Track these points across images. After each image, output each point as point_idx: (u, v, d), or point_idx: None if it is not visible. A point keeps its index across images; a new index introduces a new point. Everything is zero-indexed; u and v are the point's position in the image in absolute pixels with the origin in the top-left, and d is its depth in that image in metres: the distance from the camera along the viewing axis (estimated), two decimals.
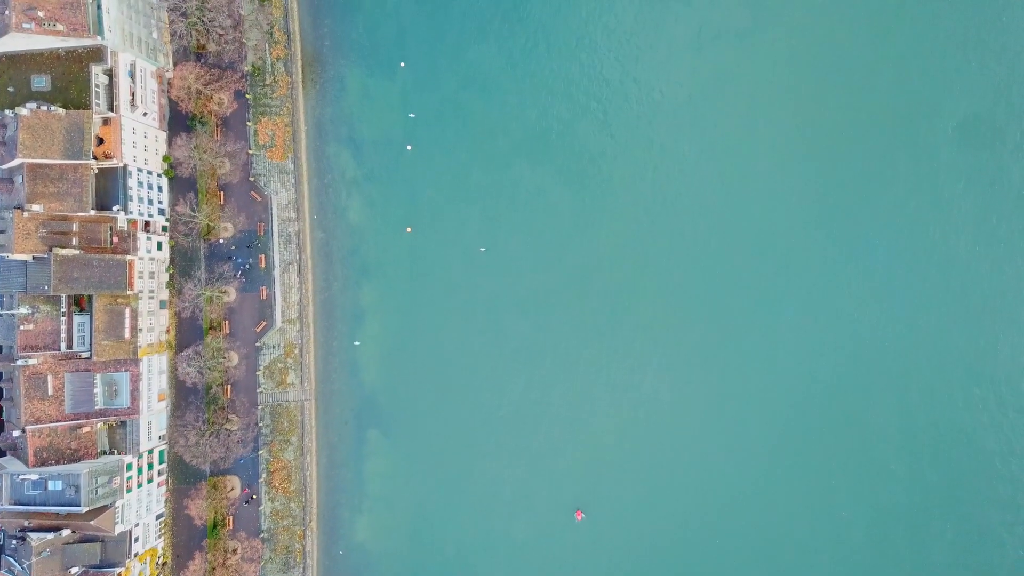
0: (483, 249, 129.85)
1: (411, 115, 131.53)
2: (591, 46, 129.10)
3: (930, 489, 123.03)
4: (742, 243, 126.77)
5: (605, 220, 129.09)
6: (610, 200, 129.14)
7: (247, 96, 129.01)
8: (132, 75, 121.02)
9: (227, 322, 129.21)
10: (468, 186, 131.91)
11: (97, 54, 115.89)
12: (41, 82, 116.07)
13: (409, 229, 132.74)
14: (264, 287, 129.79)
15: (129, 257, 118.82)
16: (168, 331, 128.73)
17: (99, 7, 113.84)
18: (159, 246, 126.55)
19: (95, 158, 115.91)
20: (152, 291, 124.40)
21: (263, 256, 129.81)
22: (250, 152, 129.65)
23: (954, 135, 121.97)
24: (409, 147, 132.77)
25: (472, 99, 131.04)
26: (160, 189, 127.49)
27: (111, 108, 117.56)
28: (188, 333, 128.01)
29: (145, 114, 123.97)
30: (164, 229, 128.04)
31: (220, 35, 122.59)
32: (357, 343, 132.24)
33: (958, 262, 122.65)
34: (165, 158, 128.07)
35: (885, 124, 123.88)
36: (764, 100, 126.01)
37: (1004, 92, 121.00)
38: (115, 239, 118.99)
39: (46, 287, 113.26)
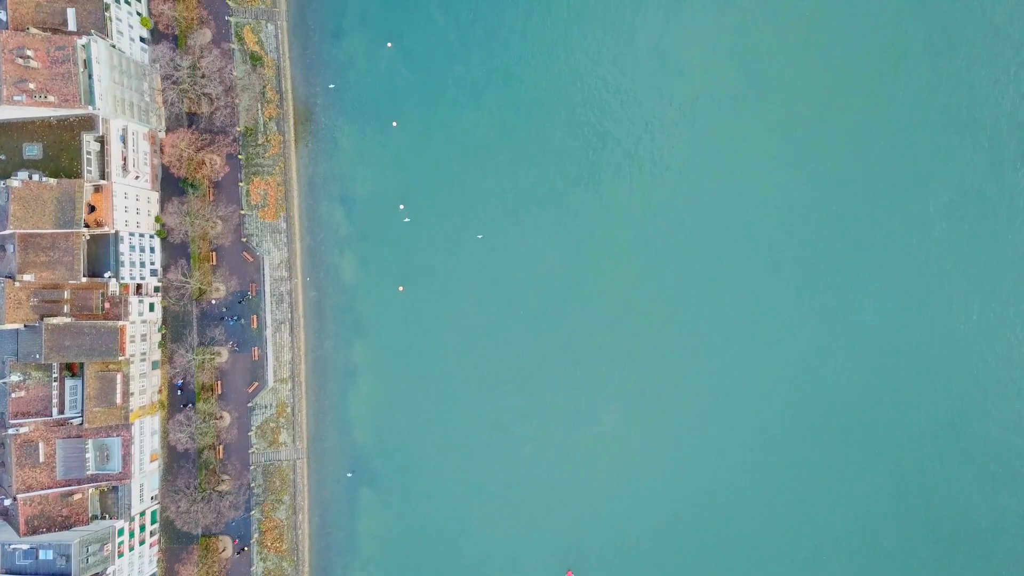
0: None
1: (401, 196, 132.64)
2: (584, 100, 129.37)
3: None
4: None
5: (603, 264, 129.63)
6: (607, 243, 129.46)
7: (239, 157, 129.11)
8: (124, 139, 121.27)
9: (219, 383, 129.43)
10: (460, 246, 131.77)
11: (89, 122, 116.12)
12: (33, 150, 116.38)
13: (401, 288, 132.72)
14: (256, 347, 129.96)
15: (121, 323, 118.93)
16: (160, 391, 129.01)
17: (90, 77, 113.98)
18: (151, 307, 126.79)
19: (87, 226, 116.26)
20: (144, 353, 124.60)
21: (255, 317, 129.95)
22: (242, 213, 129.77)
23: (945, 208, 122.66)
24: (402, 206, 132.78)
25: (465, 161, 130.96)
26: (153, 250, 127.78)
27: (103, 175, 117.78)
28: (180, 400, 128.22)
29: (137, 177, 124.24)
30: (156, 290, 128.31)
31: (212, 101, 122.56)
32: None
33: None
34: (157, 218, 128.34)
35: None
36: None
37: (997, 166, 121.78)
38: (106, 305, 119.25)
39: (37, 356, 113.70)
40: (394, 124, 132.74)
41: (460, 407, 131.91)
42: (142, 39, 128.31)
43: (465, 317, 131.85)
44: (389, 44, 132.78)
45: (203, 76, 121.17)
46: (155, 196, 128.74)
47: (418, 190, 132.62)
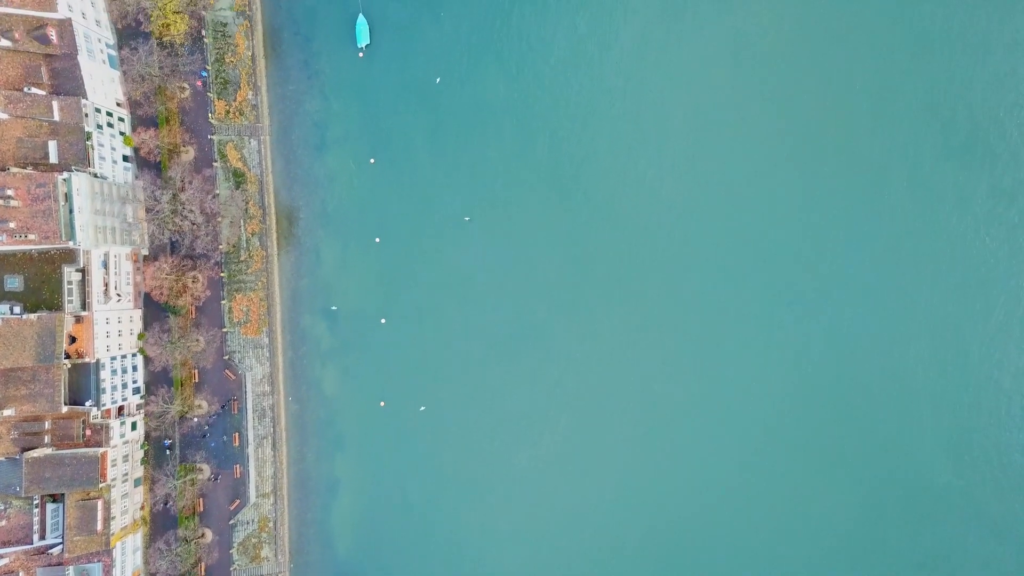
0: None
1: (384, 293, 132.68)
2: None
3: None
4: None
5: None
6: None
7: (222, 275, 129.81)
8: (106, 264, 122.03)
9: (201, 501, 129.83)
10: (440, 360, 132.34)
11: (70, 255, 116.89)
12: (14, 282, 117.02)
13: (383, 403, 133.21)
14: (238, 464, 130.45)
15: (102, 449, 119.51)
16: (143, 507, 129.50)
17: (71, 211, 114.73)
18: (133, 426, 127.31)
19: (68, 356, 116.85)
20: (126, 474, 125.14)
21: (236, 434, 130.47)
22: (224, 330, 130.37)
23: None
24: (383, 320, 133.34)
25: (447, 277, 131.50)
26: (135, 368, 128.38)
27: (84, 305, 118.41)
28: (161, 516, 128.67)
29: (119, 297, 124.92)
30: (139, 407, 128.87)
31: (194, 230, 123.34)
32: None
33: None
34: (140, 335, 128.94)
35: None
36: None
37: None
38: (88, 432, 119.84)
39: (18, 488, 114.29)
40: (377, 240, 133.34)
41: (443, 520, 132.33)
42: (125, 158, 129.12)
43: (447, 429, 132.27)
44: (372, 160, 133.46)
45: (183, 205, 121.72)
46: (138, 314, 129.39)
47: (400, 304, 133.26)
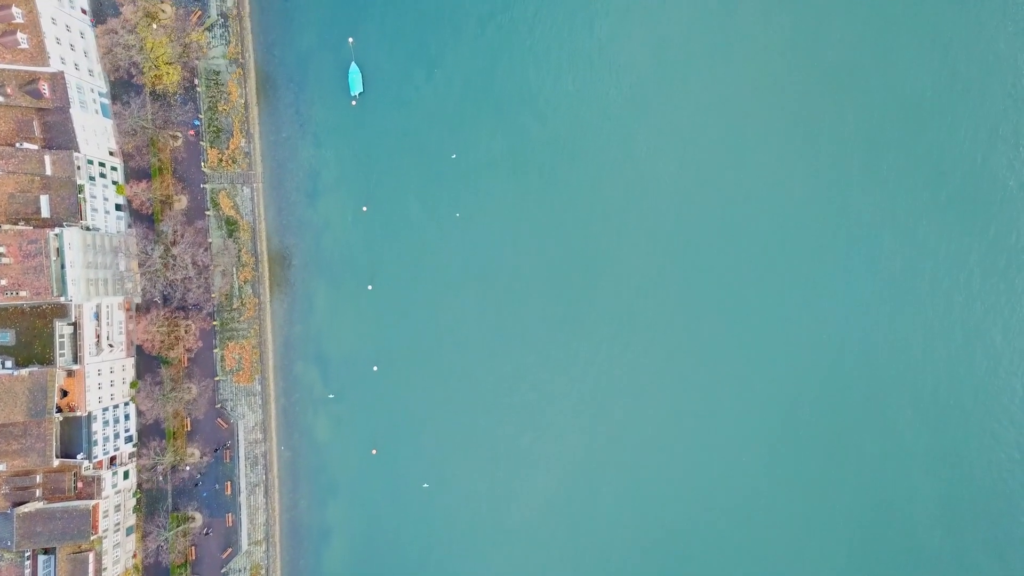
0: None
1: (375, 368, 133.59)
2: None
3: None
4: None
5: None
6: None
7: (215, 323, 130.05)
8: (98, 316, 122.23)
9: (193, 549, 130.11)
10: (432, 408, 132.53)
11: (61, 309, 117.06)
12: (5, 337, 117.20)
13: (375, 451, 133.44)
14: (230, 513, 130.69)
15: (93, 501, 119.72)
16: (135, 556, 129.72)
17: (63, 266, 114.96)
18: (125, 475, 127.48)
19: (59, 410, 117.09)
20: (118, 524, 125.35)
21: (229, 482, 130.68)
22: (217, 379, 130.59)
23: None
24: (375, 368, 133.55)
25: (439, 326, 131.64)
26: (127, 417, 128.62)
27: (76, 359, 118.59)
28: (154, 567, 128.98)
29: (111, 347, 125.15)
30: (131, 456, 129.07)
31: (185, 281, 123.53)
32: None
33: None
34: (133, 384, 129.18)
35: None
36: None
37: None
38: (79, 484, 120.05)
39: (9, 543, 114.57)
40: (369, 287, 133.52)
41: (438, 568, 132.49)
42: (118, 207, 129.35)
43: (439, 476, 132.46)
44: (364, 208, 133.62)
45: (175, 258, 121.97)
46: (130, 362, 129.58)
47: (392, 351, 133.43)
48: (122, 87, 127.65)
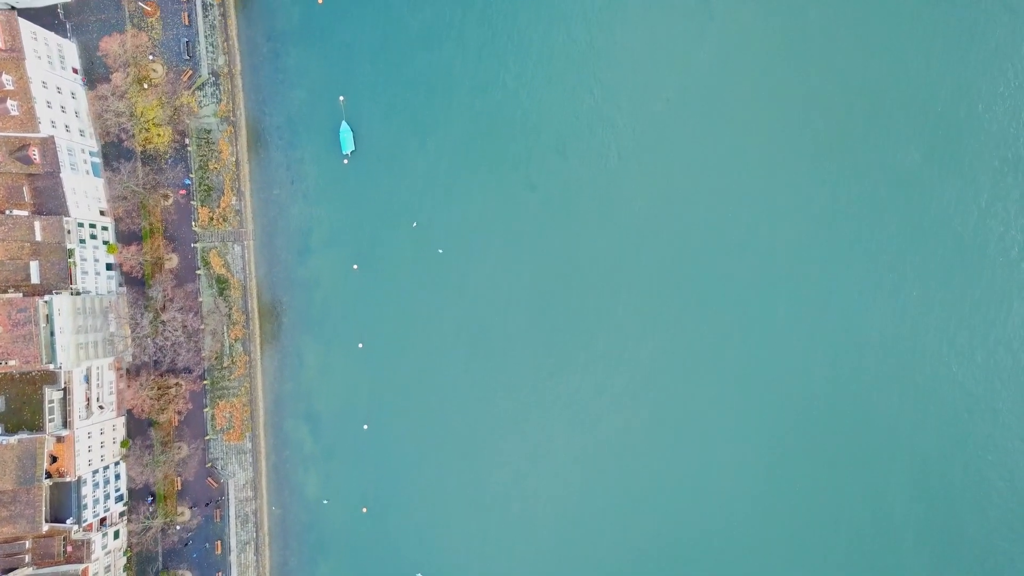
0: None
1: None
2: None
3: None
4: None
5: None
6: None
7: (205, 382, 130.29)
8: (88, 379, 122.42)
9: None
10: (423, 469, 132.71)
11: (51, 376, 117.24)
12: None
13: (364, 509, 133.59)
14: (221, 572, 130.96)
15: (83, 565, 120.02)
16: None
17: (52, 333, 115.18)
18: (116, 535, 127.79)
19: (49, 475, 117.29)
20: None
21: (219, 542, 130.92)
22: (207, 438, 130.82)
23: None
24: (365, 426, 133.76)
25: (428, 393, 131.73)
26: (118, 477, 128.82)
27: (65, 424, 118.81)
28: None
29: (102, 408, 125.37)
30: (122, 515, 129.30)
31: (175, 347, 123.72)
32: None
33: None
34: (123, 443, 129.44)
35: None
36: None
37: None
38: (69, 548, 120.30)
39: None
40: (360, 346, 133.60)
41: None
42: (109, 266, 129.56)
43: (430, 537, 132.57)
44: (355, 266, 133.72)
45: (164, 325, 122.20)
46: (121, 421, 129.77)
47: (382, 410, 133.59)
48: (112, 149, 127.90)
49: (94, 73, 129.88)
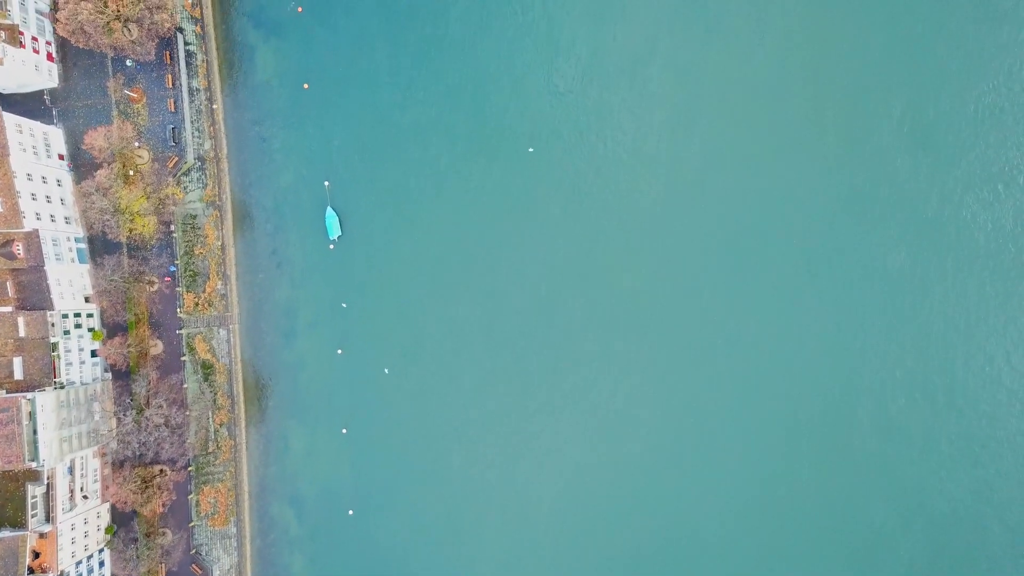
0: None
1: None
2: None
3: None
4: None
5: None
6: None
7: (190, 469, 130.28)
8: (72, 470, 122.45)
9: None
10: (407, 553, 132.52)
11: (34, 474, 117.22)
12: None
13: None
14: None
15: None
16: None
17: (35, 431, 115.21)
18: None
19: (31, 571, 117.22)
20: None
21: None
22: (192, 524, 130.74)
23: None
24: (351, 511, 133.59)
25: (412, 479, 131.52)
26: (102, 564, 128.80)
27: (48, 518, 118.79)
28: None
29: (86, 498, 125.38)
30: None
31: (157, 441, 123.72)
32: None
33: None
34: (108, 529, 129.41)
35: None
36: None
37: None
38: None
39: None
40: (344, 431, 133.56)
41: None
42: (93, 353, 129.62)
43: None
44: (340, 351, 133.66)
45: (148, 420, 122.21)
46: (106, 507, 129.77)
47: (367, 495, 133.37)
48: (98, 242, 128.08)
49: (80, 158, 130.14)
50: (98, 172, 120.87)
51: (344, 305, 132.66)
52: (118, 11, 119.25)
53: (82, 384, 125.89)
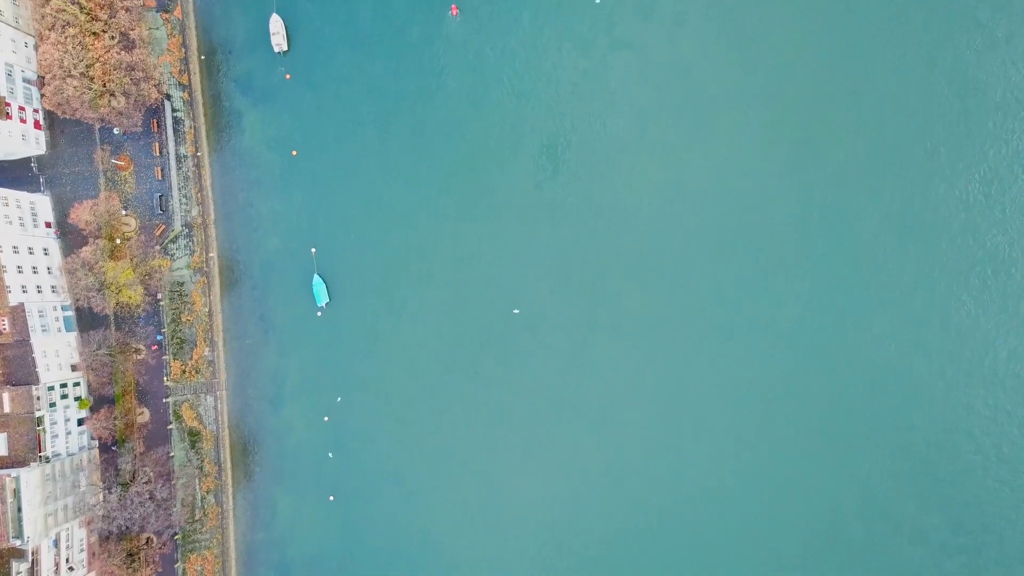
0: None
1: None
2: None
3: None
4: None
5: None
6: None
7: (176, 537, 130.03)
8: (57, 543, 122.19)
9: None
10: None
11: (19, 552, 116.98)
12: None
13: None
14: None
15: None
16: None
17: (19, 509, 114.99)
18: None
19: None
20: None
21: None
22: None
23: None
24: None
25: (401, 550, 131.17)
26: None
27: None
28: None
29: (71, 568, 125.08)
30: None
31: (143, 518, 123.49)
32: None
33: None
34: None
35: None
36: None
37: None
38: None
39: None
40: (331, 498, 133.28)
41: None
42: (80, 422, 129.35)
43: None
44: (326, 418, 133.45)
45: (132, 500, 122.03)
46: None
47: (355, 564, 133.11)
48: (84, 314, 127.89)
49: (67, 226, 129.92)
50: (83, 248, 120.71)
51: (338, 399, 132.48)
52: (104, 85, 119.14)
53: (68, 455, 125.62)
